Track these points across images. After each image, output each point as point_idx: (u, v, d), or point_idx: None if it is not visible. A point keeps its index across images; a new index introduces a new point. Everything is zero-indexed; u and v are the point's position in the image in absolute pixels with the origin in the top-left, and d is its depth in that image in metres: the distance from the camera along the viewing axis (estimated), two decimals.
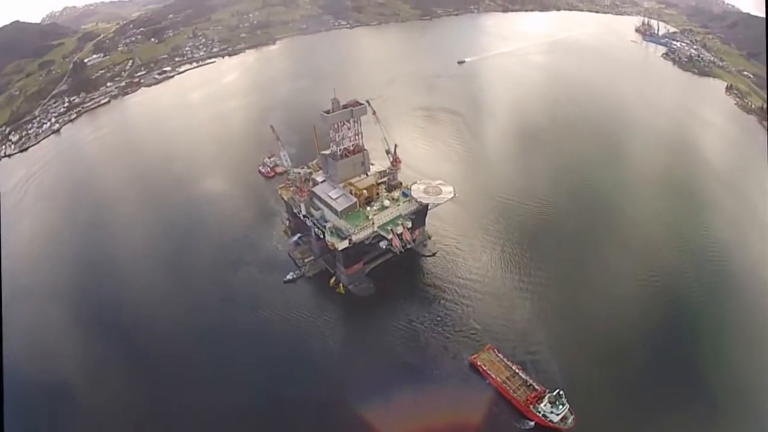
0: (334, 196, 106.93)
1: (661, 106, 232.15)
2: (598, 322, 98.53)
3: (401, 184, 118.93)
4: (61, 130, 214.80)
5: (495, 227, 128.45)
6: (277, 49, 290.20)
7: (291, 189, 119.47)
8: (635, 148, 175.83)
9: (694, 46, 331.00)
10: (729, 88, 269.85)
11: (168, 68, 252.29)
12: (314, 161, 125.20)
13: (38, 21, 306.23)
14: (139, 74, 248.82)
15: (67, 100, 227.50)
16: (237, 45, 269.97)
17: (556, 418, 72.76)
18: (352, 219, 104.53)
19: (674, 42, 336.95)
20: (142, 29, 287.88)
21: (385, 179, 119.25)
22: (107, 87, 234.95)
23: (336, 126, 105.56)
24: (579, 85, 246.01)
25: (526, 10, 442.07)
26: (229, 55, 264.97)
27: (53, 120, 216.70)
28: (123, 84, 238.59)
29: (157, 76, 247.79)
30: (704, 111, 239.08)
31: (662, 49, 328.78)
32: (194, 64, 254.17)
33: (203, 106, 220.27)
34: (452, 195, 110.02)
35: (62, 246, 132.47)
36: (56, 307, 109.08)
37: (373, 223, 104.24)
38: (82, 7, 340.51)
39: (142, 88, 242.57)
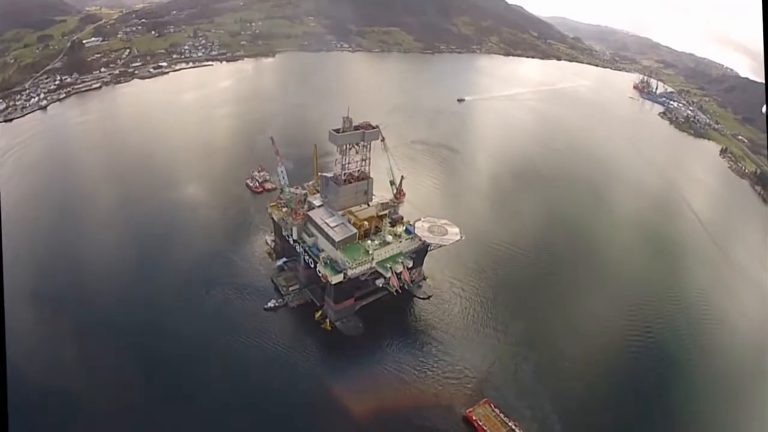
0: (332, 224, 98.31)
1: (657, 164, 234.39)
2: (597, 375, 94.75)
3: (402, 218, 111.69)
4: (48, 108, 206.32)
5: (490, 272, 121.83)
6: (276, 61, 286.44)
7: (283, 209, 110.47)
8: (627, 201, 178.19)
9: (691, 107, 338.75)
10: (723, 151, 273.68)
11: (164, 64, 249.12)
12: (311, 182, 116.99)
13: None
14: (134, 65, 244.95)
15: (59, 78, 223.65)
16: (236, 51, 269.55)
17: None
18: (350, 252, 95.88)
19: (671, 102, 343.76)
20: (144, 20, 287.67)
21: (387, 212, 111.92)
22: (101, 72, 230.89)
23: (344, 148, 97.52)
24: (576, 138, 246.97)
25: (528, 56, 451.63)
26: (228, 60, 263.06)
27: (42, 96, 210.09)
28: (117, 72, 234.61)
29: (152, 70, 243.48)
30: (698, 172, 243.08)
31: (659, 108, 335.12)
32: (191, 64, 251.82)
33: (195, 108, 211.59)
34: (459, 237, 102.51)
35: (24, 238, 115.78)
36: None
37: (372, 259, 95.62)
38: None
39: (135, 80, 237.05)
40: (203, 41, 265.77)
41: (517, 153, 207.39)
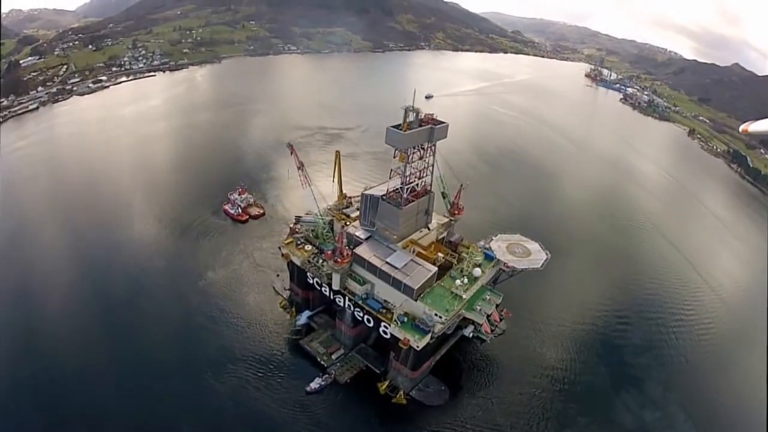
0: (397, 265, 69.22)
1: (645, 153, 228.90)
2: None
3: (462, 240, 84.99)
4: None
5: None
6: (222, 67, 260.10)
7: (306, 248, 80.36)
8: (634, 191, 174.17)
9: (646, 92, 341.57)
10: (692, 133, 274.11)
11: (104, 78, 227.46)
12: (330, 204, 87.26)
13: None
14: (72, 81, 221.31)
15: None
16: (179, 60, 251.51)
17: None
18: (435, 300, 67.51)
19: (627, 88, 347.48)
20: (81, 35, 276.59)
21: (444, 235, 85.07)
22: (38, 92, 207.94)
23: (408, 152, 68.54)
24: (565, 131, 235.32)
25: (476, 51, 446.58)
26: (171, 70, 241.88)
27: None
28: (54, 90, 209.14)
29: (91, 85, 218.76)
30: (679, 157, 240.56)
31: (616, 94, 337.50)
32: (132, 76, 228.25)
33: (141, 123, 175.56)
34: (546, 256, 76.79)
35: None
36: None
37: (464, 304, 67.74)
38: (27, 12, 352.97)
39: (74, 97, 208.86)
40: (143, 52, 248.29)
41: (515, 147, 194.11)
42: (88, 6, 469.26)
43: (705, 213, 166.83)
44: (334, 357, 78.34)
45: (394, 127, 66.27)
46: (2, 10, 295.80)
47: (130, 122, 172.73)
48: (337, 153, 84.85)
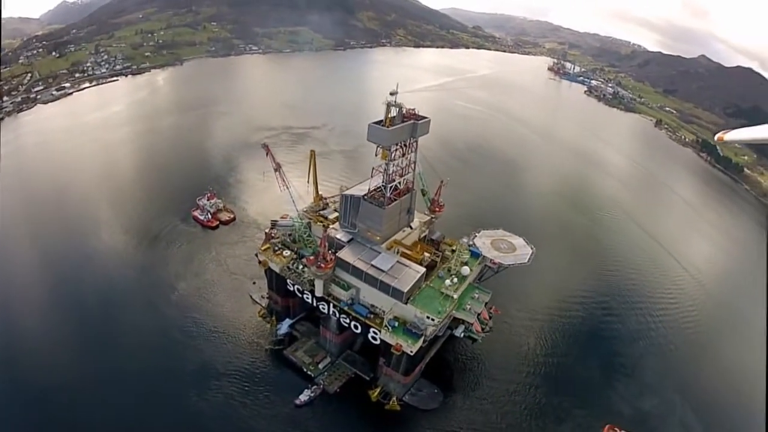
0: (383, 267, 66.33)
1: (607, 139, 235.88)
2: None
3: (444, 238, 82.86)
4: None
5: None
6: (184, 70, 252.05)
7: (284, 253, 76.47)
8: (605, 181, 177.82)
9: (610, 84, 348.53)
10: (659, 123, 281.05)
11: (67, 84, 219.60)
12: (305, 206, 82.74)
13: None
14: (36, 89, 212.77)
15: None
16: (141, 63, 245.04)
17: None
18: (425, 302, 64.90)
19: (591, 80, 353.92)
20: (44, 43, 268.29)
21: (426, 233, 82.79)
22: (3, 102, 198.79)
23: (391, 150, 65.56)
24: (534, 125, 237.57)
25: (437, 47, 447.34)
26: (133, 74, 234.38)
27: None
28: (19, 99, 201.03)
29: (55, 92, 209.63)
30: (648, 146, 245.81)
31: (580, 87, 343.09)
32: (94, 82, 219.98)
33: (103, 129, 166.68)
34: (532, 251, 75.41)
35: None
36: None
37: (455, 304, 65.51)
38: None
39: (38, 105, 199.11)
40: (105, 56, 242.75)
41: (483, 141, 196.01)
42: (52, 13, 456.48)
43: (677, 200, 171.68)
44: (320, 366, 74.99)
45: (376, 123, 63.07)
46: None
47: (94, 129, 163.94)
48: (312, 153, 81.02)
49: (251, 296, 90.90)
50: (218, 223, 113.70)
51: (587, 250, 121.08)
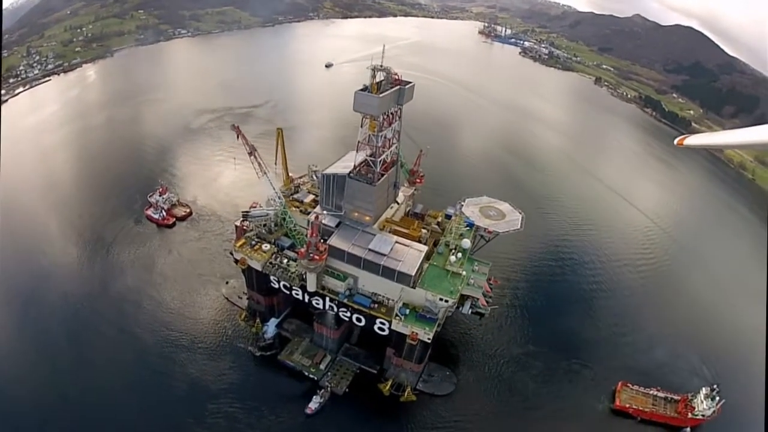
0: (384, 251, 59.99)
1: (553, 99, 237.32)
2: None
3: (429, 211, 77.62)
4: None
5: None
6: (114, 61, 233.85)
7: (264, 248, 68.23)
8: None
9: (543, 45, 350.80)
10: (598, 80, 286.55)
11: (2, 92, 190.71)
12: (275, 190, 73.68)
13: None
14: None
15: None
16: (73, 60, 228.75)
17: (709, 412, 65.97)
18: (435, 283, 59.46)
19: (524, 42, 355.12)
20: None
21: (410, 207, 77.18)
22: None
23: (380, 119, 58.20)
24: (467, 83, 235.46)
25: (365, 17, 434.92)
26: (65, 71, 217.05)
27: None
28: None
29: None
30: (591, 104, 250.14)
31: (513, 48, 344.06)
32: (27, 86, 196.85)
33: (41, 133, 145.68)
34: (521, 216, 71.69)
35: None
36: None
37: (465, 280, 60.58)
38: None
39: None
40: (37, 57, 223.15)
41: (426, 107, 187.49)
42: None
43: (629, 153, 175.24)
44: (322, 367, 68.54)
45: (361, 90, 55.54)
46: None
47: (32, 133, 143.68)
48: (279, 131, 72.46)
49: (227, 298, 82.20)
50: (174, 220, 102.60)
51: (554, 207, 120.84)
